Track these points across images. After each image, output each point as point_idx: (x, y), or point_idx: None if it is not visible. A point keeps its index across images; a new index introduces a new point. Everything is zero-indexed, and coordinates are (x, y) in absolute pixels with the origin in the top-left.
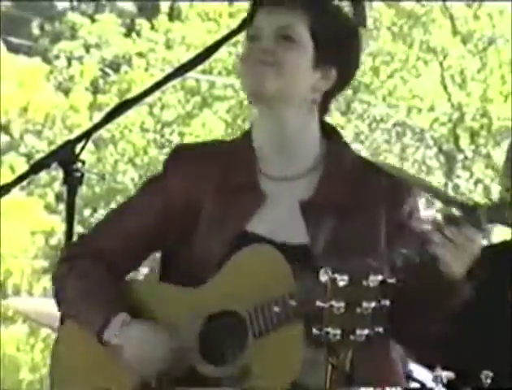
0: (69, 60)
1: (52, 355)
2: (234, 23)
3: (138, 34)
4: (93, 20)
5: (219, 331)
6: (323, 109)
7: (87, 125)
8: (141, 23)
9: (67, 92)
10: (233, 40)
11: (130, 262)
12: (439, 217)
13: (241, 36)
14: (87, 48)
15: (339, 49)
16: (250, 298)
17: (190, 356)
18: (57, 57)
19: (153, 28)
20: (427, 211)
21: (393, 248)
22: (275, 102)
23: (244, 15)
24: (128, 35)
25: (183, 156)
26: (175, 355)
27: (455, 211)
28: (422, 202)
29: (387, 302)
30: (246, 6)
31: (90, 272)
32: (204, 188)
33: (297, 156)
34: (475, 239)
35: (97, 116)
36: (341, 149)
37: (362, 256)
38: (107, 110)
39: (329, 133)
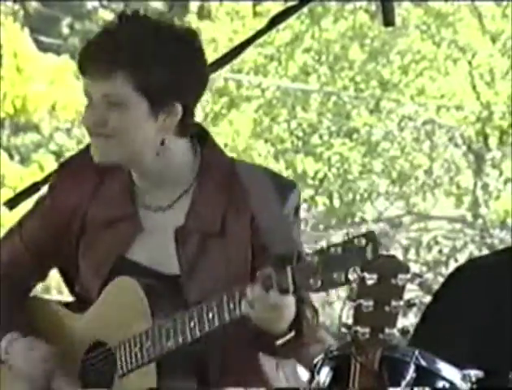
0: None
1: None
2: (261, 23)
3: None
4: None
5: (92, 364)
6: (183, 128)
7: None
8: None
9: None
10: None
11: (29, 277)
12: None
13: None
14: None
15: (174, 86)
16: (119, 331)
17: (73, 385)
18: None
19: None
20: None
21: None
22: (128, 163)
23: (272, 14)
24: None
25: (62, 175)
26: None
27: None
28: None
29: (416, 300)
30: (273, 4)
31: None
32: (83, 213)
33: (171, 186)
34: (278, 303)
35: None
36: (211, 160)
37: (227, 283)
38: None
39: (200, 137)
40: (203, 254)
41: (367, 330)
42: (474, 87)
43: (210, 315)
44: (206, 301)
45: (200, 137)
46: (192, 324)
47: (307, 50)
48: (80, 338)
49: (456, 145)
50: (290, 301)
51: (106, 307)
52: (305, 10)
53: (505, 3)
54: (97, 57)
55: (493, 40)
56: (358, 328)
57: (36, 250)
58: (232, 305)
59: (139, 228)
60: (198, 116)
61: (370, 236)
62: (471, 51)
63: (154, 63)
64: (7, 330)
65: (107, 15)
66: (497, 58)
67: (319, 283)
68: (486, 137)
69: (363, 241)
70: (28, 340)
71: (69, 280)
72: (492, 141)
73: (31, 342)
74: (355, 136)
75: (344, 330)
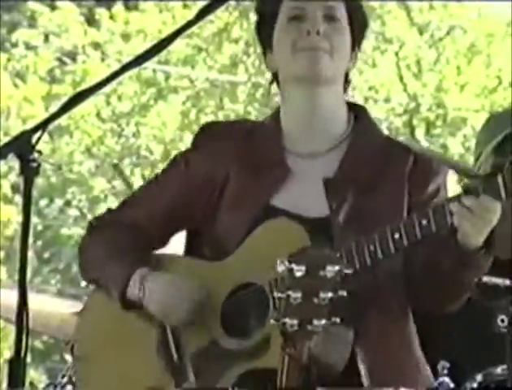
0: (26, 48)
1: (77, 329)
2: (190, 15)
3: (97, 24)
4: (53, 8)
5: (241, 303)
6: (345, 88)
7: (41, 115)
8: (101, 12)
9: (25, 80)
10: (189, 31)
11: (158, 236)
12: (458, 189)
13: (196, 28)
14: (46, 36)
15: (363, 31)
16: (271, 271)
17: (212, 329)
18: (14, 45)
19: (111, 17)
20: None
21: (412, 219)
22: (322, 84)
23: (199, 6)
24: (86, 24)
25: (210, 133)
26: (200, 308)
27: (474, 182)
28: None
29: (344, 293)
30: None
31: (116, 238)
32: (229, 163)
33: (325, 134)
34: (494, 208)
35: (53, 106)
36: (367, 128)
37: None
38: (63, 100)
39: (357, 112)
40: (355, 206)
41: (296, 322)
42: (401, 78)
43: (397, 235)
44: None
45: (357, 111)
46: (372, 248)
47: (235, 42)
48: (222, 281)
49: None
50: (499, 209)
51: (256, 249)
52: (233, 2)
53: None
54: None
55: (421, 31)
56: (287, 320)
57: (169, 206)
58: (424, 221)
59: (287, 174)
60: (125, 107)
61: None
62: (398, 42)
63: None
64: (136, 267)
65: (36, 6)
66: (425, 49)
67: None
68: (413, 129)
69: None
70: (169, 274)
71: (193, 240)
72: (419, 133)
73: (174, 276)
74: None
75: (272, 322)
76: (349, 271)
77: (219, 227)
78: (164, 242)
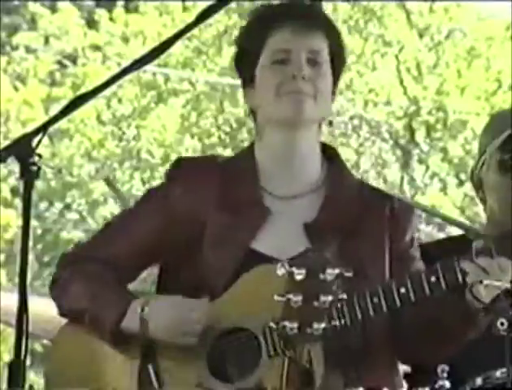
0: (27, 51)
1: (48, 357)
2: (190, 18)
3: (97, 26)
4: (54, 11)
5: (230, 348)
6: (320, 130)
7: (41, 118)
8: (101, 14)
9: (25, 83)
10: (189, 34)
11: (133, 270)
12: (472, 249)
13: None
14: (46, 39)
15: (342, 71)
16: (263, 317)
17: (200, 371)
18: (15, 48)
19: (111, 19)
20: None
21: (419, 274)
22: (303, 127)
23: (199, 9)
24: (87, 27)
25: (186, 168)
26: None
27: (487, 243)
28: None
29: (344, 296)
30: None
31: (99, 275)
32: (208, 200)
33: (302, 177)
34: (508, 268)
35: (53, 109)
36: (342, 172)
37: (370, 280)
38: (63, 103)
39: (330, 155)
40: (338, 252)
41: (296, 325)
42: (401, 82)
43: (403, 290)
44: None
45: (328, 153)
46: (375, 300)
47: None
48: (212, 322)
49: (383, 140)
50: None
51: (247, 294)
52: (233, 5)
53: None
54: (299, 13)
55: (421, 35)
56: (287, 323)
57: (144, 243)
58: (433, 278)
59: (267, 215)
60: (126, 110)
61: None
62: (399, 46)
63: (339, 38)
64: (131, 298)
65: (37, 8)
66: (424, 52)
67: None
68: (413, 132)
69: None
70: (171, 297)
71: (168, 278)
72: (420, 136)
73: (177, 298)
74: None
75: (273, 325)
76: (349, 274)
77: (201, 266)
78: (135, 277)
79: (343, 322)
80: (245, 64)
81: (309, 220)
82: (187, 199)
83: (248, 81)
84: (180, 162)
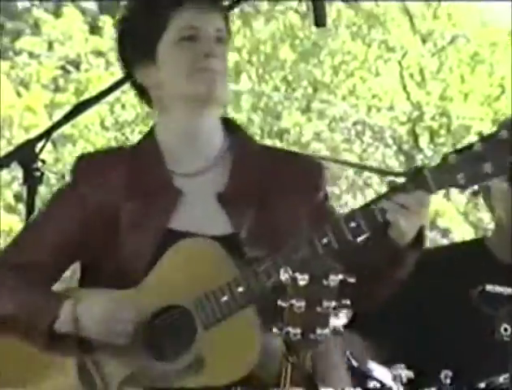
0: (30, 57)
1: None
2: None
3: (100, 32)
4: (57, 16)
5: (164, 327)
6: None
7: (45, 124)
8: (105, 20)
9: (28, 89)
10: None
11: (56, 271)
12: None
13: None
14: (49, 44)
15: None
16: (194, 291)
17: (138, 355)
18: (18, 53)
19: (115, 25)
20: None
21: (339, 222)
22: (213, 104)
23: None
24: (90, 32)
25: (89, 164)
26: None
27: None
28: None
29: (347, 301)
30: None
31: (22, 280)
32: (117, 193)
33: (208, 150)
34: (427, 202)
35: (56, 115)
36: (245, 141)
37: (288, 240)
38: (66, 108)
39: (232, 127)
40: (254, 218)
41: (299, 330)
42: (404, 87)
43: (325, 240)
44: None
45: (228, 123)
46: (300, 255)
47: (238, 50)
48: (141, 307)
49: (387, 146)
50: (430, 202)
51: (172, 271)
52: (236, 10)
53: (435, 4)
54: None
55: (424, 40)
56: (290, 329)
57: (63, 244)
58: (353, 223)
59: (179, 196)
60: (129, 115)
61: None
62: (402, 51)
63: (228, 16)
64: (63, 299)
65: (40, 14)
66: (428, 58)
67: (466, 178)
68: (417, 138)
69: (505, 133)
70: (101, 297)
71: (90, 273)
72: (423, 141)
73: (107, 298)
74: (286, 136)
75: (276, 330)
76: (352, 280)
77: (120, 258)
78: (59, 277)
79: (271, 281)
80: (141, 43)
81: (220, 190)
82: (96, 193)
83: (144, 60)
84: (83, 158)
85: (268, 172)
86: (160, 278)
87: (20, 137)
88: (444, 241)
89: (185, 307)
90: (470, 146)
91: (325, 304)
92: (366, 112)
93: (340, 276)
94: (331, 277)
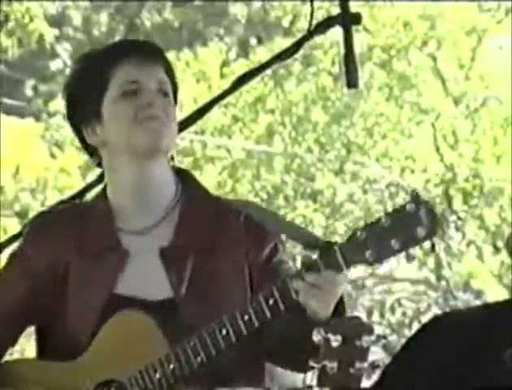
0: (64, 118)
1: None
2: (226, 84)
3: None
4: None
5: None
6: (172, 157)
7: (79, 185)
8: None
9: (62, 150)
10: (225, 100)
11: (10, 337)
12: (298, 263)
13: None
14: None
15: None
16: (129, 365)
17: None
18: (52, 115)
19: None
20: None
21: (259, 300)
22: (159, 155)
23: (236, 75)
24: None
25: (41, 223)
26: None
27: (313, 254)
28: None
29: (380, 363)
30: (239, 67)
31: None
32: (67, 252)
33: (157, 205)
34: (338, 281)
35: (90, 176)
36: (195, 192)
37: (224, 302)
38: (100, 170)
39: (183, 178)
40: (195, 273)
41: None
42: (437, 149)
43: (246, 317)
44: (237, 309)
45: (182, 175)
46: (224, 332)
47: (271, 112)
48: (79, 383)
49: None
50: (342, 279)
51: (110, 344)
52: (268, 72)
53: (467, 65)
54: (140, 47)
55: (456, 102)
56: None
57: (13, 310)
58: (271, 301)
59: (125, 257)
60: None
61: (417, 198)
62: (434, 113)
63: (173, 70)
64: None
65: None
66: (460, 120)
67: (374, 255)
68: (450, 199)
69: (413, 206)
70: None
71: (45, 336)
72: (456, 203)
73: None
74: (319, 197)
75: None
76: (384, 341)
77: (67, 323)
78: (15, 341)
79: (199, 359)
80: (86, 104)
81: (164, 245)
82: (45, 255)
83: (91, 120)
84: (35, 219)
85: (214, 225)
86: (99, 351)
87: (54, 198)
88: (477, 302)
89: (121, 381)
90: (377, 221)
91: (357, 365)
92: (399, 174)
93: (373, 337)
94: (365, 338)
